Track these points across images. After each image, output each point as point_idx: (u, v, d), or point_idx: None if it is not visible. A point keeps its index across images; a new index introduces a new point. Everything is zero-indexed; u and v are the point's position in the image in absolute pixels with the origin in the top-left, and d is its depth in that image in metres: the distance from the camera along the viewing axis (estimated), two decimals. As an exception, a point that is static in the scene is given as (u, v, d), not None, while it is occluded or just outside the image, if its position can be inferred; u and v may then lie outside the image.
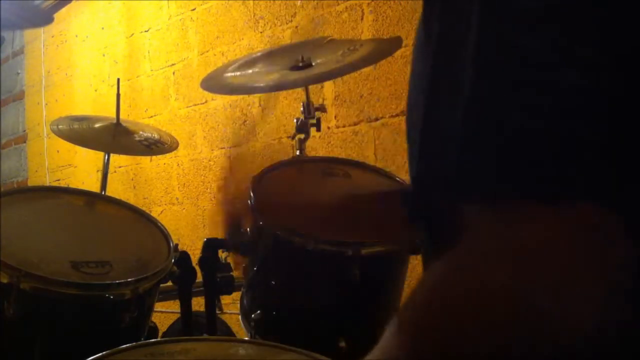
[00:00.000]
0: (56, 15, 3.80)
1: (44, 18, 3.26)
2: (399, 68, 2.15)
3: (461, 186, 0.43)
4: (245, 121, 2.73)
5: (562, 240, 0.39)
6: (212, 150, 2.87)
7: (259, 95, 2.63)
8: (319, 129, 1.78)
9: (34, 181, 4.05)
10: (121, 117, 2.09)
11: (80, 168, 3.65)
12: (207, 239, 1.38)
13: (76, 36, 3.75)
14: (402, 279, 1.41)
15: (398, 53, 2.04)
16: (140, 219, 1.47)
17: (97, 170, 3.33)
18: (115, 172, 3.30)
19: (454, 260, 0.43)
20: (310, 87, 1.80)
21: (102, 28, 3.55)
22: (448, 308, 0.41)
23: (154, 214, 1.58)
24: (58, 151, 3.83)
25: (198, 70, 2.92)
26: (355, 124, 2.30)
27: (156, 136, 2.10)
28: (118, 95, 2.16)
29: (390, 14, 2.19)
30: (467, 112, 0.44)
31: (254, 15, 2.69)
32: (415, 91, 0.54)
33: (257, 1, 2.67)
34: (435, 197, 0.47)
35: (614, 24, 0.39)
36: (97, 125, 2.10)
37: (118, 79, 2.28)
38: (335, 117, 2.36)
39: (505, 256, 0.40)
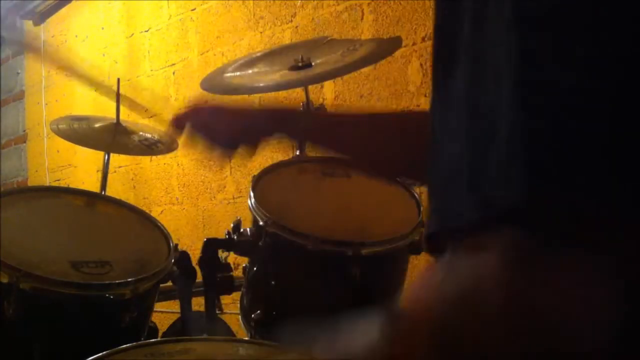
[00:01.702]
0: (56, 15, 3.80)
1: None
2: (399, 68, 2.15)
3: (463, 186, 0.43)
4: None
5: (563, 240, 0.39)
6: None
7: (259, 95, 2.62)
8: (319, 129, 1.77)
9: (34, 181, 4.05)
10: (121, 117, 2.09)
11: (80, 168, 3.65)
12: (207, 239, 1.38)
13: (76, 36, 3.75)
14: (402, 279, 1.41)
15: (398, 53, 2.04)
16: (140, 219, 1.47)
17: (97, 170, 3.33)
18: (115, 172, 3.30)
19: (453, 260, 0.43)
20: (310, 87, 1.80)
21: (102, 28, 3.55)
22: (445, 305, 0.41)
23: (154, 214, 1.58)
24: (58, 151, 3.83)
25: (198, 70, 2.92)
26: (355, 124, 2.30)
27: (156, 136, 2.10)
28: (118, 95, 2.16)
29: (390, 14, 2.19)
30: (468, 113, 0.44)
31: (254, 15, 2.69)
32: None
33: (257, 1, 2.67)
34: (444, 199, 0.47)
35: (614, 24, 0.39)
36: (97, 125, 2.10)
37: (118, 79, 2.28)
38: (335, 117, 2.35)
39: (504, 254, 0.40)
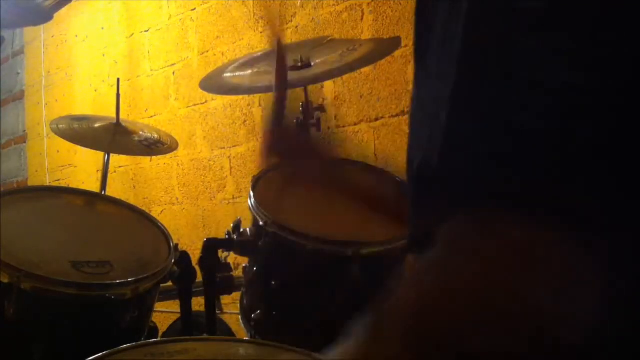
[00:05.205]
0: (56, 15, 3.80)
1: (43, 16, 3.26)
2: (399, 68, 2.15)
3: (460, 187, 0.43)
4: (245, 121, 2.74)
5: (557, 239, 0.39)
6: (212, 150, 2.88)
7: (259, 95, 2.63)
8: (319, 129, 1.78)
9: (34, 181, 4.05)
10: (121, 117, 2.09)
11: (80, 168, 3.65)
12: (207, 239, 1.39)
13: (76, 36, 3.75)
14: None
15: (398, 53, 2.04)
16: (140, 219, 1.47)
17: (97, 170, 3.33)
18: (115, 172, 3.30)
19: (450, 259, 0.43)
20: (310, 87, 1.80)
21: (102, 28, 3.55)
22: (445, 306, 0.41)
23: (154, 214, 1.58)
24: (58, 151, 3.83)
25: (198, 70, 2.92)
26: (355, 124, 2.30)
27: (156, 136, 2.10)
28: (118, 95, 2.17)
29: (390, 14, 2.19)
30: (467, 113, 0.44)
31: (254, 15, 2.69)
32: (421, 92, 0.54)
33: (257, 1, 2.67)
34: (433, 199, 0.47)
35: (614, 24, 0.39)
36: (97, 125, 2.10)
37: (118, 79, 2.29)
38: (335, 117, 2.36)
39: (505, 254, 0.40)
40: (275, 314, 1.35)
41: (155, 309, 1.38)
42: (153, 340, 1.27)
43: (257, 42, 2.67)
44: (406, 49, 2.07)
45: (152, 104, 3.19)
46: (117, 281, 1.24)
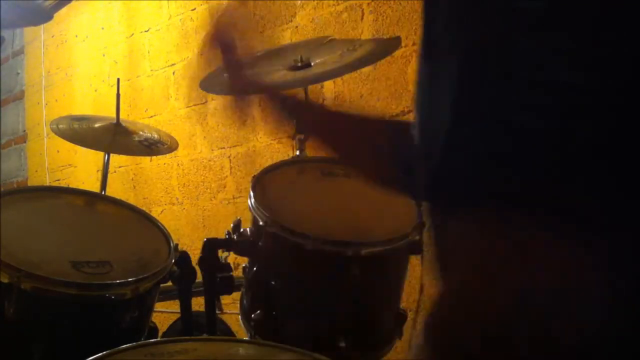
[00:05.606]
0: (56, 15, 3.80)
1: (43, 16, 3.27)
2: (398, 68, 2.15)
3: (460, 187, 0.43)
4: (245, 121, 2.73)
5: (563, 241, 0.40)
6: (212, 150, 2.88)
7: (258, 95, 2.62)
8: (318, 129, 1.77)
9: (34, 181, 4.05)
10: (121, 117, 2.09)
11: (80, 168, 3.65)
12: (207, 239, 1.39)
13: (76, 36, 3.75)
14: (402, 279, 1.41)
15: (398, 53, 2.04)
16: (140, 219, 1.47)
17: (97, 170, 3.33)
18: (115, 172, 3.30)
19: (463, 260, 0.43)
20: (310, 87, 1.80)
21: (102, 28, 3.55)
22: (446, 305, 0.42)
23: (154, 214, 1.58)
24: (58, 151, 3.83)
25: (198, 70, 2.92)
26: (355, 124, 2.30)
27: (156, 136, 2.10)
28: (118, 95, 2.17)
29: (390, 14, 2.19)
30: (467, 113, 0.44)
31: (254, 15, 2.69)
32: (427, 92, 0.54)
33: (257, 1, 2.67)
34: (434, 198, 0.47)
35: (614, 24, 0.39)
36: (97, 125, 2.10)
37: (118, 79, 2.29)
38: (335, 117, 2.35)
39: (510, 256, 0.41)
40: (275, 314, 1.35)
41: (155, 309, 1.38)
42: (153, 340, 1.27)
43: (257, 42, 2.66)
44: (406, 49, 2.07)
45: (152, 104, 3.19)
46: (117, 281, 1.24)
